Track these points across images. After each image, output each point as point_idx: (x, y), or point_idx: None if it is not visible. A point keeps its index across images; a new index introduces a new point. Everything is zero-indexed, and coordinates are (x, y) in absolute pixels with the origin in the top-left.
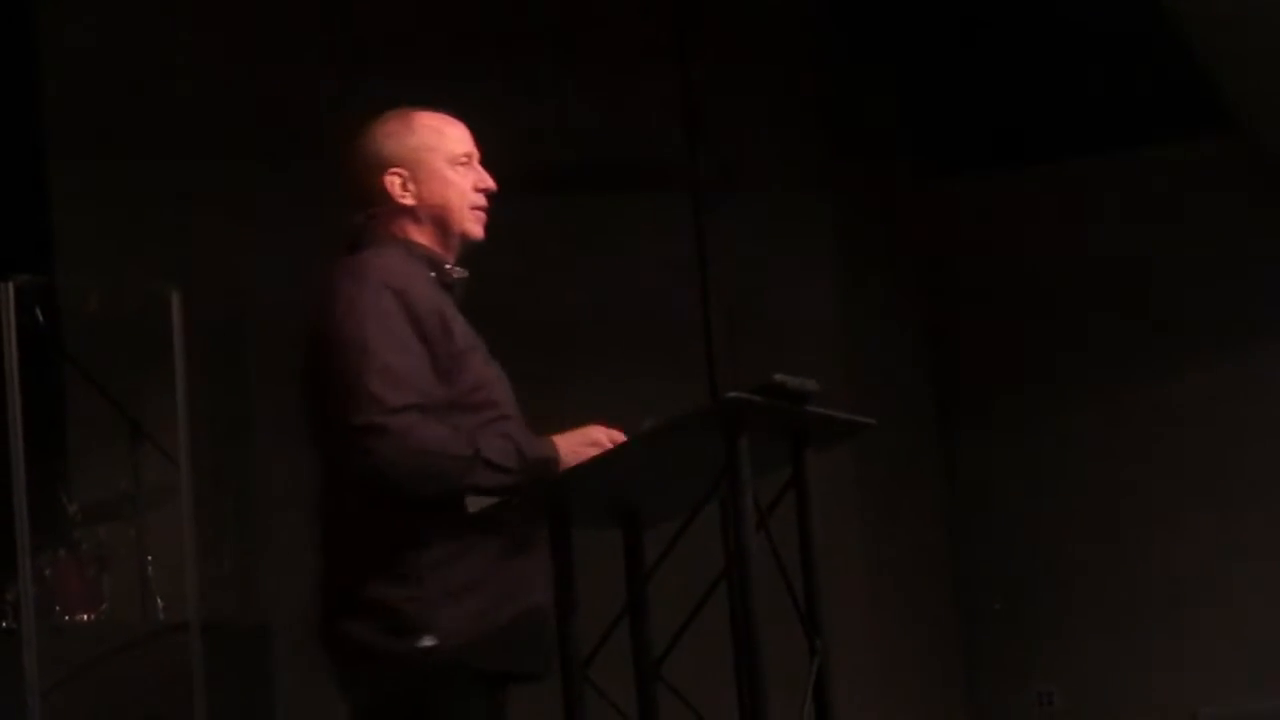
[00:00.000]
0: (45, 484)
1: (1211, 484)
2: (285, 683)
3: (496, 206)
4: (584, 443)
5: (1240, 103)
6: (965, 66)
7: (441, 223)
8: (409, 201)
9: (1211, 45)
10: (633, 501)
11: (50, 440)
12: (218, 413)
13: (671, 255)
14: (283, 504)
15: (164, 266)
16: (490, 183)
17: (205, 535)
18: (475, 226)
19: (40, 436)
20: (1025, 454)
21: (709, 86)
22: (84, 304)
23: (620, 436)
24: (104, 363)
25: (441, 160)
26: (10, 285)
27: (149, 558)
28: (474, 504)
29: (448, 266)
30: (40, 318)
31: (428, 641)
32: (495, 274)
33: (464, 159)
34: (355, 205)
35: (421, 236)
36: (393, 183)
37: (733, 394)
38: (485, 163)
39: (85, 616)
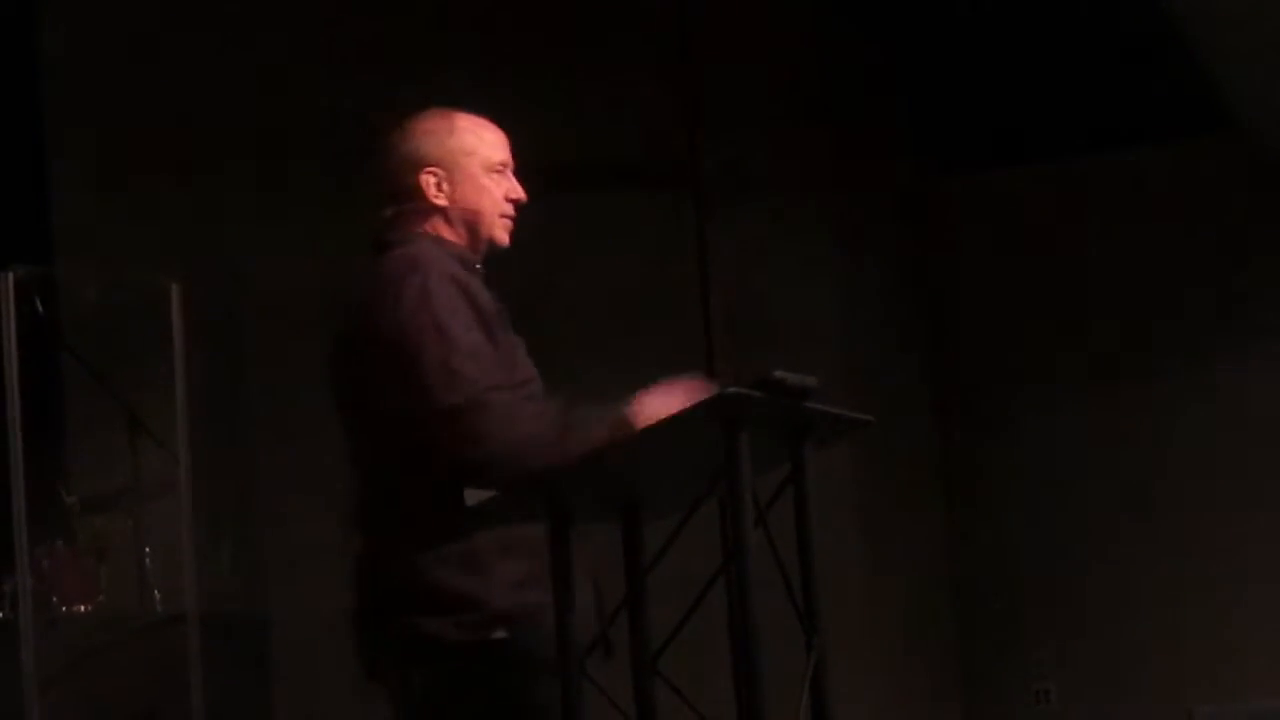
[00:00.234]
0: (44, 475)
1: (1211, 482)
2: (283, 673)
3: None
4: (666, 397)
5: (1241, 102)
6: (967, 65)
7: (472, 226)
8: (442, 201)
9: (1214, 45)
10: (631, 496)
11: (49, 432)
12: (216, 405)
13: (672, 255)
14: (280, 496)
15: (163, 259)
16: (521, 193)
17: (203, 527)
18: (503, 234)
19: (39, 428)
20: (1024, 452)
21: (710, 86)
22: (83, 296)
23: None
24: (103, 355)
25: (478, 165)
26: (9, 276)
27: (147, 549)
28: (472, 497)
29: (478, 267)
30: (39, 309)
31: (500, 633)
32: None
33: (499, 167)
34: (387, 199)
35: (451, 236)
36: (428, 182)
37: (732, 389)
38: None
39: (83, 608)
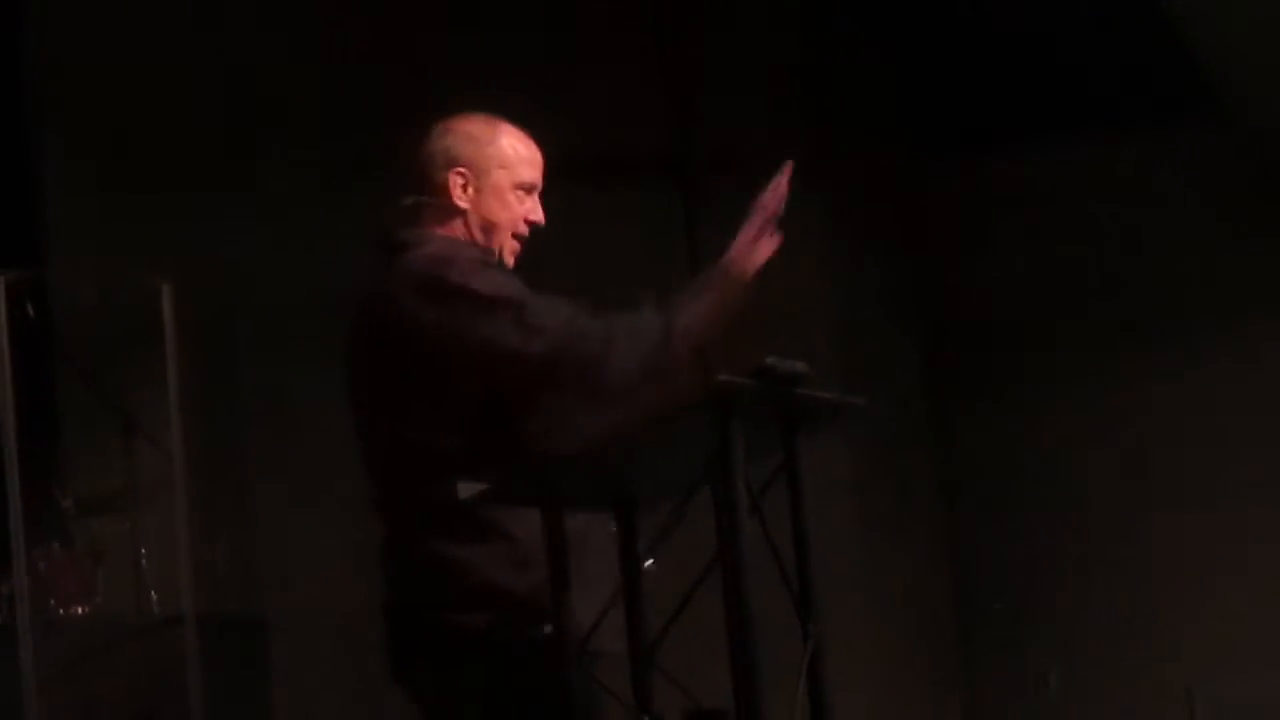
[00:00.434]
0: (39, 478)
1: (1213, 466)
2: (281, 673)
3: None
4: (747, 244)
5: (1239, 86)
6: (962, 49)
7: (486, 235)
8: (464, 204)
9: (1212, 32)
10: (624, 485)
11: (43, 435)
12: (210, 404)
13: (663, 246)
14: (277, 495)
15: (155, 260)
16: (541, 217)
17: (199, 528)
18: (510, 254)
19: (33, 431)
20: (1022, 436)
21: (700, 71)
22: (75, 297)
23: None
24: (96, 356)
25: (508, 180)
26: (1, 280)
27: (143, 551)
28: (465, 490)
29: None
30: (31, 312)
31: (544, 629)
32: None
33: (527, 187)
34: (407, 185)
35: (465, 239)
36: (455, 182)
37: (723, 377)
38: None
39: (80, 610)
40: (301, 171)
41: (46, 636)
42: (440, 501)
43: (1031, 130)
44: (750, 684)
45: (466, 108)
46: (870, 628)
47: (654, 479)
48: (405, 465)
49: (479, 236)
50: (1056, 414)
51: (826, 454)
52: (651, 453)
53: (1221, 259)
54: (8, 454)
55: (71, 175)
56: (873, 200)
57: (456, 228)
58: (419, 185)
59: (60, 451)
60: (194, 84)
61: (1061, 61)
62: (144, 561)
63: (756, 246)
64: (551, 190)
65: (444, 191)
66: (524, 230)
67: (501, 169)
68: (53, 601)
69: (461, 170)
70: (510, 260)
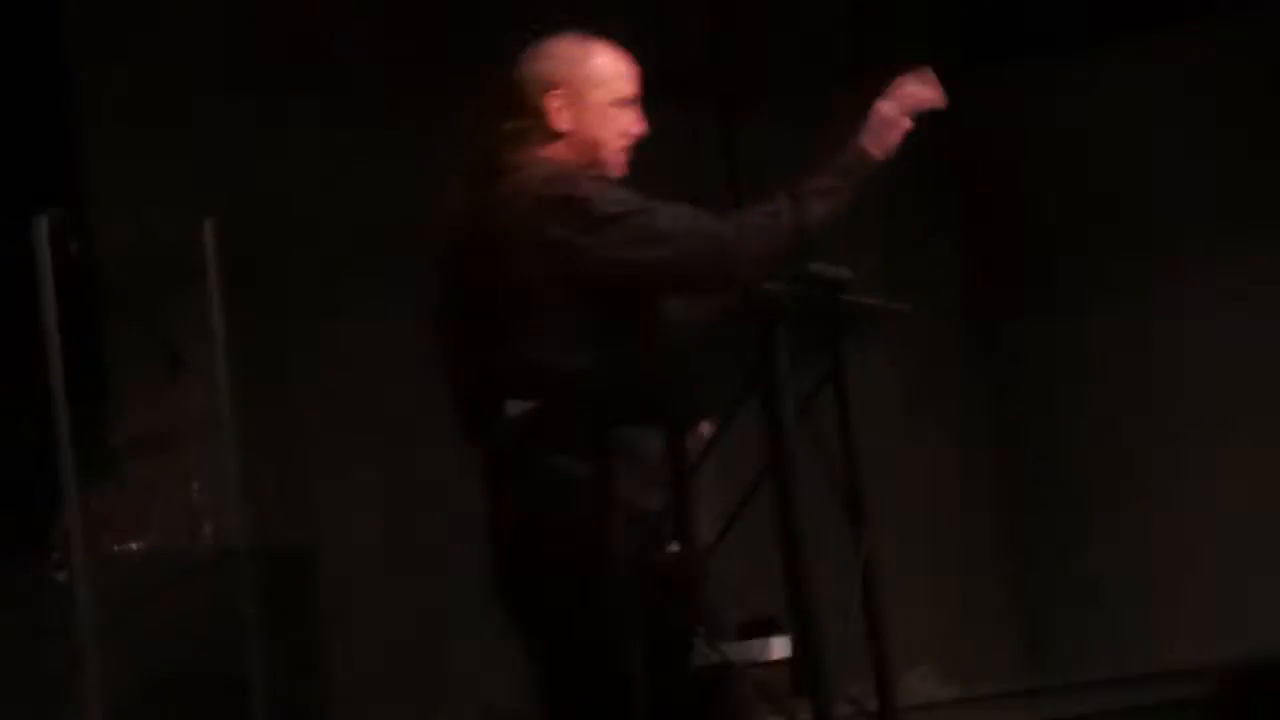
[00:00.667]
0: (87, 418)
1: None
2: (332, 606)
3: None
4: (882, 125)
5: None
6: None
7: (591, 154)
8: (564, 126)
9: None
10: (671, 402)
11: (90, 374)
12: (256, 339)
13: (701, 167)
14: (327, 429)
15: (197, 194)
16: (643, 128)
17: (249, 462)
18: (618, 165)
19: (80, 371)
20: (1072, 342)
21: None
22: (117, 235)
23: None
24: (141, 294)
25: (606, 96)
26: (43, 221)
27: (195, 485)
28: (514, 407)
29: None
30: (74, 251)
31: (674, 547)
32: None
33: (626, 100)
34: (500, 112)
35: (571, 160)
36: (553, 105)
37: (768, 285)
38: None
39: (134, 547)
40: (346, 103)
41: (102, 575)
42: (569, 419)
43: (1071, 36)
44: (803, 594)
45: (504, 34)
46: (923, 540)
47: (700, 394)
48: (526, 384)
49: (584, 156)
50: (1104, 319)
51: (873, 369)
52: (695, 368)
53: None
54: (56, 394)
55: (109, 110)
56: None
57: (560, 149)
58: (514, 111)
59: (108, 390)
60: (235, 12)
61: None
62: (196, 494)
63: (891, 129)
64: None
65: (542, 115)
66: (628, 143)
67: (598, 87)
68: (106, 540)
69: (558, 92)
70: (620, 169)
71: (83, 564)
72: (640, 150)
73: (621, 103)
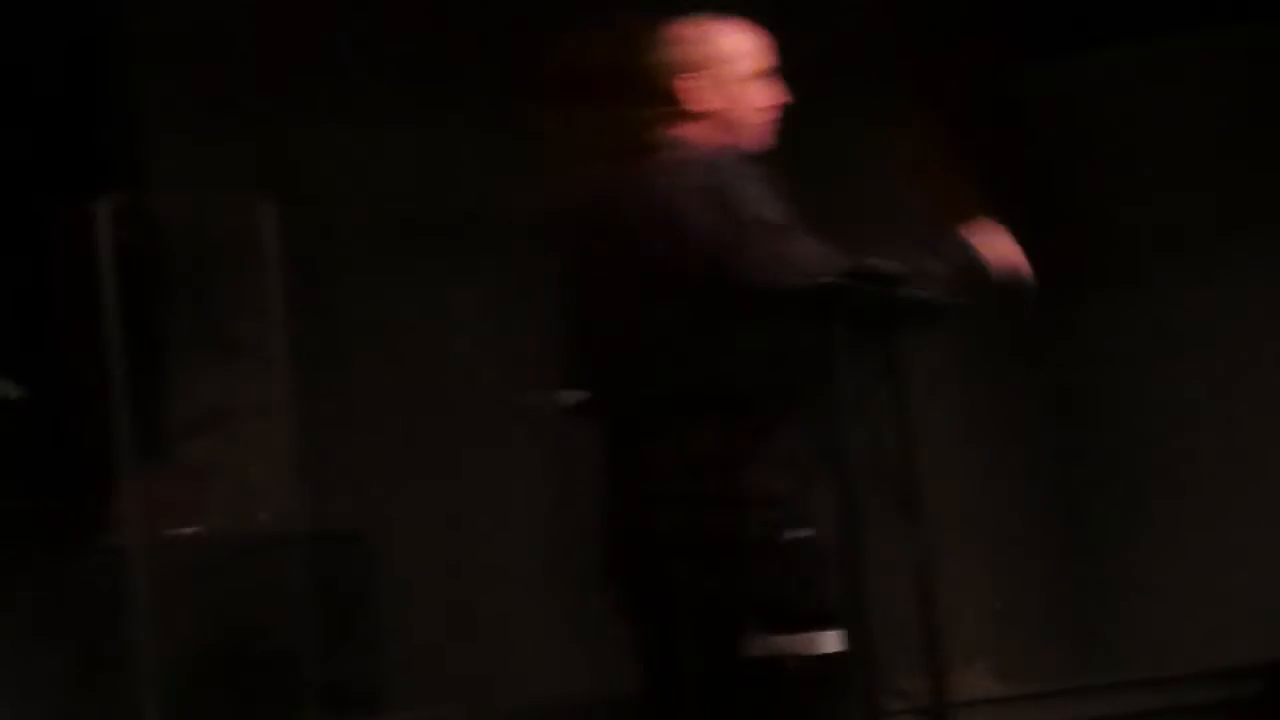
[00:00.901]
0: (145, 401)
1: None
2: (386, 589)
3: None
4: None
5: None
6: None
7: (729, 134)
8: (699, 108)
9: None
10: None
11: (148, 356)
12: (313, 324)
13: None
14: (383, 412)
15: (258, 177)
16: (782, 97)
17: (305, 445)
18: (764, 138)
19: (138, 353)
20: (1136, 332)
21: None
22: (176, 219)
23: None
24: (198, 278)
25: (739, 73)
26: (103, 205)
27: (250, 469)
28: (570, 396)
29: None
30: (133, 236)
31: (804, 532)
32: None
33: (761, 73)
34: (633, 101)
35: (712, 142)
36: (685, 88)
37: (826, 279)
38: None
39: (189, 529)
40: (404, 86)
41: (156, 557)
42: (705, 401)
43: (1135, 21)
44: (855, 588)
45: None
46: (976, 525)
47: (758, 385)
48: (659, 362)
49: (722, 137)
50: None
51: (931, 359)
52: (756, 357)
53: None
54: (115, 377)
55: (173, 93)
56: (970, 100)
57: (701, 130)
58: (645, 97)
59: (165, 372)
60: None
61: None
62: (251, 479)
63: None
64: None
65: (675, 99)
66: (769, 114)
67: (730, 63)
68: (161, 521)
69: (690, 75)
70: (767, 141)
71: (139, 546)
72: None
73: (756, 74)
